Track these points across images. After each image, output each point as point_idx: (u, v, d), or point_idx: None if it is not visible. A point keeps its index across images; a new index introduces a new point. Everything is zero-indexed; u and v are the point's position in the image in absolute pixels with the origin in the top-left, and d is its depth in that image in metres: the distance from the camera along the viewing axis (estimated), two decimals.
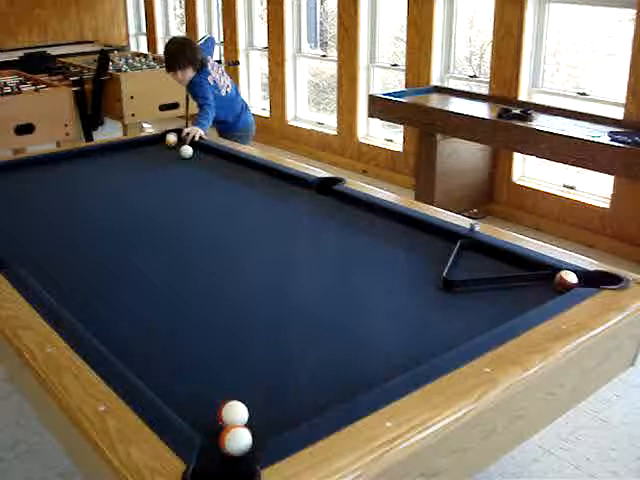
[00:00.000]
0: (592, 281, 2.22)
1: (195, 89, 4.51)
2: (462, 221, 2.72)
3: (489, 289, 2.25)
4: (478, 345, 1.84)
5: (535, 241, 2.56)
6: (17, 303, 2.09)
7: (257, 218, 2.93)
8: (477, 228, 2.57)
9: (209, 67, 4.60)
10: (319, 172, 3.34)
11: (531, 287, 2.25)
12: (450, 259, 2.39)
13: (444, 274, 2.30)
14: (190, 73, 4.50)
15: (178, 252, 2.58)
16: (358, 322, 2.09)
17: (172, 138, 3.84)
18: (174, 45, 4.57)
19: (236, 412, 1.51)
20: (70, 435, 1.61)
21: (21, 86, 5.98)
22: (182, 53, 4.49)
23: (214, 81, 4.57)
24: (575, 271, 2.26)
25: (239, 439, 1.44)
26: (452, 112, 5.11)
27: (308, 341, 1.99)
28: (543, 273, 2.29)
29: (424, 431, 1.52)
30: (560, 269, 2.27)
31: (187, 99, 4.86)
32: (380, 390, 1.64)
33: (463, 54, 8.91)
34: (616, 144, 4.27)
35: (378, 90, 6.56)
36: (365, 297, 2.26)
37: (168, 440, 1.46)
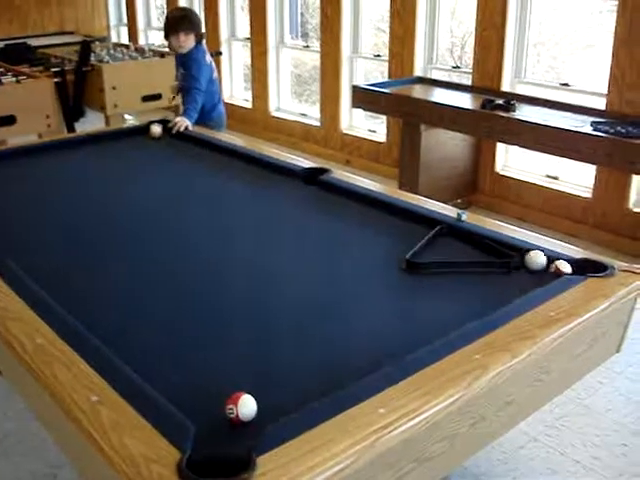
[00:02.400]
0: (578, 269, 2.25)
1: (193, 66, 4.45)
2: (449, 210, 2.74)
3: (461, 272, 2.30)
4: (468, 332, 1.85)
5: (523, 230, 2.58)
6: (5, 294, 2.08)
7: (245, 208, 2.93)
8: (464, 217, 2.59)
9: (204, 45, 4.61)
10: (305, 162, 3.35)
11: (518, 274, 2.28)
12: (419, 243, 2.43)
13: (407, 256, 2.33)
14: (191, 41, 4.48)
15: (167, 242, 2.58)
16: (347, 308, 2.10)
17: (157, 129, 3.82)
18: (180, 11, 4.71)
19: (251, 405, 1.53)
20: (63, 426, 1.60)
21: (2, 77, 5.92)
22: (188, 18, 4.51)
23: (210, 62, 4.58)
24: (561, 259, 2.29)
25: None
26: (436, 103, 5.13)
27: (295, 327, 2.00)
28: (509, 260, 2.33)
29: (416, 418, 1.53)
30: (546, 257, 2.31)
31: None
32: (372, 377, 1.65)
33: (445, 45, 8.91)
34: (598, 134, 4.30)
35: (361, 81, 6.56)
36: (351, 283, 2.27)
37: (162, 429, 1.46)
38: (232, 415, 1.49)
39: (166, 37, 4.57)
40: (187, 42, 4.48)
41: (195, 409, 1.56)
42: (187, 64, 4.50)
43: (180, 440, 1.43)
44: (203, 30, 4.65)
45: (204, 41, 4.65)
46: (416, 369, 1.69)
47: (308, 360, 1.84)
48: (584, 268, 2.25)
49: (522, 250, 2.35)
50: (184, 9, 4.96)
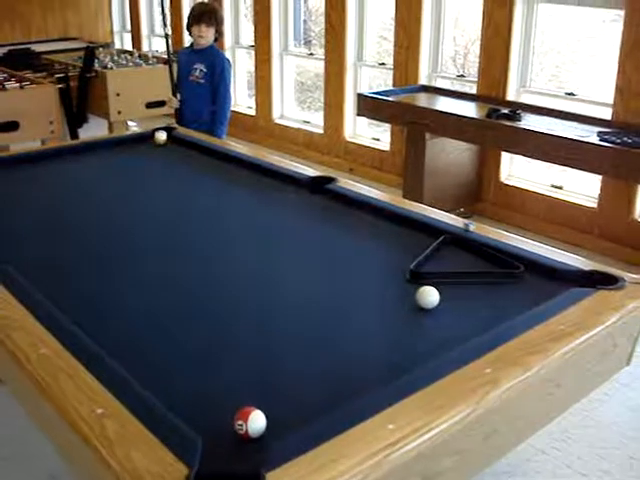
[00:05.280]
0: (588, 281, 2.22)
1: (226, 70, 4.70)
2: (455, 220, 2.72)
3: (467, 283, 2.29)
4: (477, 345, 1.83)
5: (530, 241, 2.55)
6: (8, 303, 2.06)
7: (251, 217, 2.91)
8: (472, 228, 2.56)
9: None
10: (309, 171, 3.32)
11: (526, 285, 2.25)
12: (424, 253, 2.41)
13: (411, 266, 2.31)
14: (211, 35, 4.70)
15: (172, 251, 2.55)
16: (352, 320, 2.08)
17: (161, 136, 3.80)
18: (205, 5, 4.90)
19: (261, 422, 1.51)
20: (67, 439, 1.58)
21: (5, 83, 5.91)
22: (212, 12, 4.72)
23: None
24: (571, 271, 2.27)
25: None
26: (441, 111, 5.11)
27: (301, 340, 1.98)
28: (514, 271, 2.31)
29: (427, 433, 1.51)
30: (555, 269, 2.29)
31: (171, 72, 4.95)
32: (380, 391, 1.62)
33: (448, 54, 8.92)
34: (605, 144, 4.29)
35: (365, 89, 6.54)
36: (356, 294, 2.25)
37: (169, 443, 1.43)
38: (241, 431, 1.46)
39: (188, 28, 4.76)
40: (207, 34, 4.67)
41: (201, 422, 1.53)
42: (211, 63, 4.68)
43: (187, 454, 1.40)
44: (223, 31, 4.95)
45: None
46: (425, 383, 1.66)
47: (314, 373, 1.81)
48: (594, 280, 2.22)
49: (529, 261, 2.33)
50: (210, 4, 5.11)
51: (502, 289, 2.26)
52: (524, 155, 4.83)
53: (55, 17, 9.52)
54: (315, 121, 7.35)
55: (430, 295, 2.09)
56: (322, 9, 6.77)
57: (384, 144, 6.59)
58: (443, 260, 2.43)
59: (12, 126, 5.43)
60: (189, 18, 4.75)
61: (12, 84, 5.89)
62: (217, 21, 4.73)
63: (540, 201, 5.35)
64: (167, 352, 1.89)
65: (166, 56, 5.32)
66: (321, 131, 7.08)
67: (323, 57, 6.89)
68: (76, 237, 2.68)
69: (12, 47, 7.69)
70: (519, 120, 4.78)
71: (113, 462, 1.40)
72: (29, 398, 1.84)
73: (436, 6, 5.83)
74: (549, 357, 1.81)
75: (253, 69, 7.77)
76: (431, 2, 5.81)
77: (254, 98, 7.85)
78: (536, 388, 1.82)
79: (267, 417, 1.50)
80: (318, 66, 7.19)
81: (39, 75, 6.39)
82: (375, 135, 6.83)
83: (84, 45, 7.56)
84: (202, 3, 5.10)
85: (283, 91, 7.55)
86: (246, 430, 1.46)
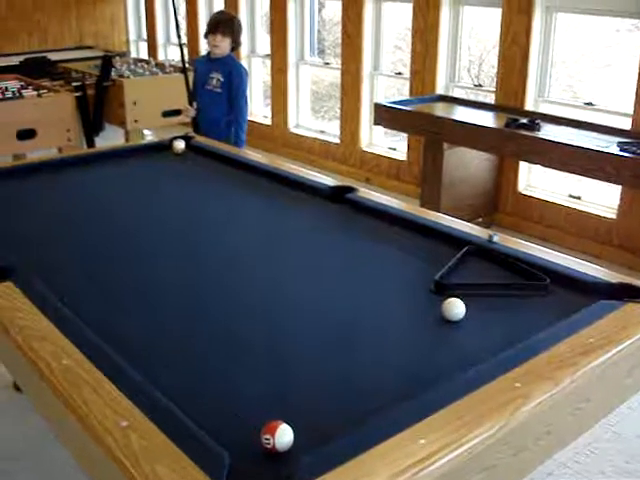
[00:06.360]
0: (616, 294, 2.19)
1: (243, 80, 4.70)
2: (478, 230, 2.69)
3: (493, 295, 2.24)
4: (506, 359, 1.79)
5: (554, 252, 2.52)
6: (30, 312, 2.04)
7: (270, 227, 2.88)
8: (496, 239, 2.53)
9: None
10: (329, 180, 3.30)
11: (552, 297, 2.22)
12: (448, 264, 2.37)
13: (436, 277, 2.28)
14: (226, 44, 4.68)
15: (194, 263, 2.52)
16: (376, 332, 2.05)
17: (180, 145, 3.78)
18: (223, 14, 5.00)
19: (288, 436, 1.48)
20: (90, 452, 1.55)
21: (23, 91, 5.93)
22: (229, 22, 4.73)
23: None
24: (598, 283, 2.23)
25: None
26: (459, 121, 5.09)
27: (324, 352, 1.94)
28: (541, 283, 2.27)
29: (458, 449, 1.47)
30: (583, 281, 2.25)
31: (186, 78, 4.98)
32: (409, 406, 1.59)
33: (462, 63, 8.91)
34: (625, 154, 4.25)
35: (381, 98, 6.53)
36: (380, 306, 2.21)
37: (195, 457, 1.40)
38: (268, 446, 1.43)
39: (205, 36, 4.76)
40: (222, 44, 4.65)
41: (224, 435, 1.50)
42: (228, 73, 4.68)
43: (214, 469, 1.37)
44: (241, 40, 4.89)
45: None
46: (454, 398, 1.63)
47: (338, 387, 1.77)
48: (622, 293, 2.18)
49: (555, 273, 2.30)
50: (228, 13, 5.19)
51: (528, 301, 2.22)
52: (543, 165, 4.80)
53: (71, 26, 9.57)
54: (330, 130, 7.34)
55: (456, 307, 2.06)
56: (336, 19, 6.78)
57: (401, 153, 6.57)
58: (467, 271, 2.40)
59: (29, 134, 5.44)
60: (206, 26, 4.76)
61: (29, 92, 5.92)
62: (234, 31, 4.71)
63: (558, 211, 5.32)
64: (188, 363, 1.87)
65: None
66: (337, 140, 7.07)
67: (338, 67, 6.88)
68: (97, 246, 2.66)
69: (29, 55, 7.72)
70: (538, 130, 4.75)
71: (138, 476, 1.37)
72: (50, 409, 1.82)
73: (453, 15, 5.82)
74: (579, 371, 1.77)
75: (268, 78, 7.78)
76: (448, 11, 5.80)
77: (270, 107, 7.85)
78: (566, 402, 1.79)
79: (293, 430, 1.48)
80: (333, 75, 7.18)
81: (56, 83, 6.43)
82: (391, 144, 6.81)
83: (100, 54, 7.59)
84: (220, 12, 5.12)
85: (299, 100, 7.55)
86: (273, 444, 1.44)
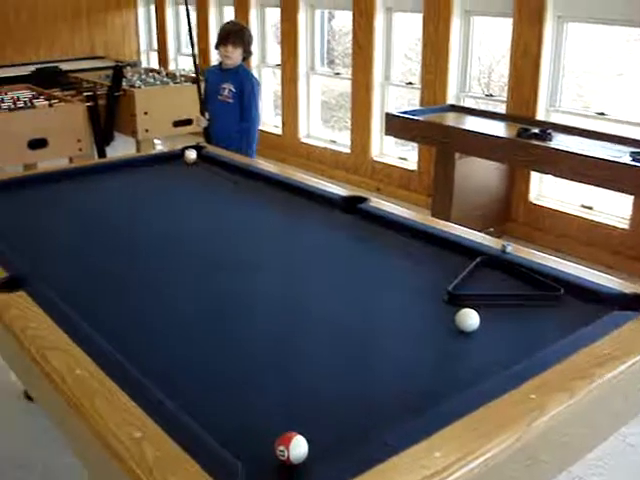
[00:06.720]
0: (630, 304, 2.17)
1: (255, 90, 4.73)
2: (489, 240, 2.68)
3: (506, 305, 2.22)
4: (521, 370, 1.78)
5: (568, 262, 2.50)
6: (42, 322, 2.03)
7: (282, 237, 2.88)
8: (510, 249, 2.52)
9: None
10: (341, 190, 3.29)
11: (566, 308, 2.20)
12: (461, 275, 2.36)
13: (449, 288, 2.27)
14: (238, 55, 4.70)
15: (208, 273, 2.51)
16: (390, 344, 2.03)
17: (192, 155, 3.79)
18: (234, 24, 4.99)
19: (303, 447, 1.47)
20: (104, 463, 1.54)
21: (34, 101, 5.96)
22: (239, 32, 4.74)
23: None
24: (613, 294, 2.22)
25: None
26: (471, 131, 5.07)
27: (338, 363, 1.93)
28: (555, 293, 2.26)
29: (473, 461, 1.46)
30: (597, 292, 2.24)
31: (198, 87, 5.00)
32: (424, 418, 1.58)
33: (472, 73, 8.90)
34: (638, 164, 4.23)
35: (391, 109, 6.53)
36: (393, 317, 2.20)
37: (209, 469, 1.40)
38: (283, 457, 1.42)
39: (216, 47, 4.78)
40: (234, 54, 4.67)
41: (239, 447, 1.49)
42: (240, 83, 4.70)
43: None
44: (252, 50, 4.92)
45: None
46: (469, 409, 1.61)
47: (351, 398, 1.76)
48: (636, 303, 2.17)
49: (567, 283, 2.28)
50: (238, 23, 5.20)
51: (541, 312, 2.21)
52: (556, 175, 4.78)
53: (82, 36, 9.61)
54: (340, 140, 7.34)
55: (470, 318, 2.04)
56: (345, 29, 6.79)
57: (411, 163, 6.56)
58: (480, 281, 2.39)
59: (41, 143, 5.46)
60: (217, 37, 4.77)
61: (41, 102, 5.94)
62: (245, 41, 4.72)
63: (570, 221, 5.30)
64: (202, 375, 1.86)
65: (193, 74, 5.36)
66: (347, 150, 7.07)
67: (349, 77, 6.89)
68: (109, 256, 2.66)
69: (40, 65, 7.75)
70: (550, 140, 4.73)
71: None
72: (64, 420, 1.81)
73: (464, 25, 5.82)
74: (595, 382, 1.75)
75: (278, 88, 7.79)
76: (460, 21, 5.80)
77: (280, 117, 7.86)
78: (582, 414, 1.77)
79: (310, 443, 1.47)
80: (342, 85, 7.18)
81: (67, 93, 6.45)
82: (402, 154, 6.80)
83: (111, 64, 7.61)
84: (230, 23, 5.12)
85: (309, 110, 7.56)
86: (288, 456, 1.43)
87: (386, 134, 5.89)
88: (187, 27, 5.07)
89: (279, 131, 7.85)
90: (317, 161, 7.38)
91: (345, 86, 7.29)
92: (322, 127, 7.93)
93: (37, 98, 6.07)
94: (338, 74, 7.51)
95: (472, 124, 5.32)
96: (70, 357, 1.84)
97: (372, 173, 6.83)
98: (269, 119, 8.16)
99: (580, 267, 2.46)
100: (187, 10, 5.11)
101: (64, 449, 1.99)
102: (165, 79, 6.78)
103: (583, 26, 5.41)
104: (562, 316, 2.16)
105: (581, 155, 4.42)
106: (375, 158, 6.82)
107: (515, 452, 1.56)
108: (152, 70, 7.44)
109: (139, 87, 6.32)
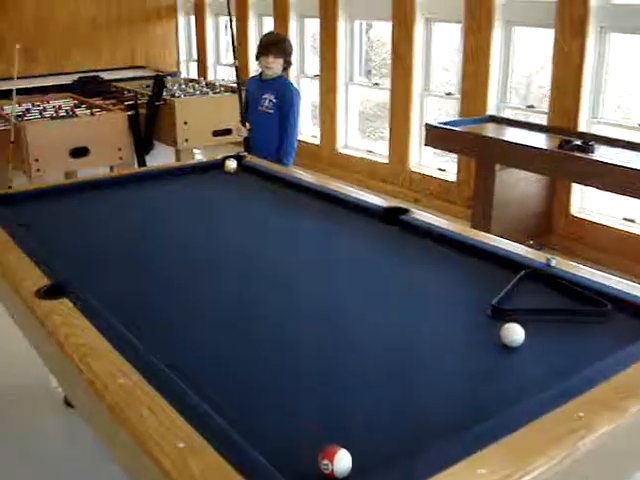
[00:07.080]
0: None
1: (295, 102, 4.71)
2: (532, 253, 2.65)
3: (551, 321, 2.19)
4: (568, 387, 1.74)
5: (614, 277, 2.46)
6: (85, 330, 2.04)
7: (324, 247, 2.86)
8: (554, 263, 2.48)
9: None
10: (383, 201, 3.28)
11: (614, 324, 2.16)
12: (505, 289, 2.32)
13: (493, 302, 2.23)
14: (278, 65, 4.70)
15: (253, 283, 2.50)
16: (431, 358, 2.01)
17: (232, 164, 3.80)
18: (275, 35, 5.06)
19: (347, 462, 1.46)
20: (147, 472, 1.54)
21: (76, 109, 6.03)
22: (280, 43, 4.76)
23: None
24: None
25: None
26: (512, 142, 5.03)
27: (379, 379, 1.91)
28: (602, 309, 2.21)
29: (519, 479, 1.43)
30: None
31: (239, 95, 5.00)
32: (468, 435, 1.55)
33: (512, 84, 8.83)
34: None
35: (430, 119, 6.50)
36: (434, 330, 2.17)
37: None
38: (327, 471, 1.41)
39: (257, 58, 4.80)
40: (275, 65, 4.68)
41: (282, 461, 1.48)
42: (280, 94, 4.70)
43: None
44: (292, 60, 4.91)
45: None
46: (515, 427, 1.58)
47: (393, 413, 1.74)
48: None
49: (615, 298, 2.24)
50: (279, 34, 5.27)
51: (588, 327, 2.17)
52: (599, 188, 4.70)
53: (123, 46, 9.71)
54: (377, 150, 7.32)
55: (516, 333, 2.01)
56: (383, 39, 6.78)
57: (450, 174, 6.52)
58: (524, 295, 2.35)
59: (82, 152, 5.52)
60: (258, 48, 4.78)
61: (82, 111, 6.02)
62: (285, 51, 4.73)
63: (612, 234, 5.22)
64: (246, 388, 1.85)
65: (233, 84, 5.39)
66: (385, 161, 7.05)
67: (388, 87, 6.87)
68: (153, 266, 2.66)
69: (82, 74, 7.86)
70: (592, 152, 4.67)
71: None
72: (106, 429, 1.81)
73: (505, 35, 5.78)
74: None
75: (316, 98, 7.80)
76: (500, 31, 5.76)
77: (318, 127, 7.87)
78: (629, 433, 1.73)
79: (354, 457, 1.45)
80: (379, 95, 7.16)
81: (108, 102, 6.52)
82: (440, 165, 6.76)
83: (151, 74, 7.68)
84: (270, 33, 5.14)
85: (347, 121, 7.55)
86: (332, 470, 1.41)
87: (426, 145, 5.86)
88: (230, 38, 5.10)
89: (317, 141, 7.86)
90: (354, 171, 7.37)
91: (382, 96, 7.28)
92: (359, 137, 7.92)
93: (79, 107, 6.16)
94: (377, 84, 7.50)
95: (512, 135, 5.27)
96: (114, 367, 1.84)
97: (410, 184, 6.80)
98: (307, 129, 8.17)
99: (627, 282, 2.41)
100: (230, 21, 5.14)
101: (109, 459, 1.98)
102: (205, 89, 6.83)
103: (626, 37, 5.34)
104: (609, 332, 2.12)
105: (624, 167, 4.35)
106: (413, 169, 6.79)
107: (561, 471, 1.52)
108: (192, 80, 7.50)
109: (179, 97, 6.36)
